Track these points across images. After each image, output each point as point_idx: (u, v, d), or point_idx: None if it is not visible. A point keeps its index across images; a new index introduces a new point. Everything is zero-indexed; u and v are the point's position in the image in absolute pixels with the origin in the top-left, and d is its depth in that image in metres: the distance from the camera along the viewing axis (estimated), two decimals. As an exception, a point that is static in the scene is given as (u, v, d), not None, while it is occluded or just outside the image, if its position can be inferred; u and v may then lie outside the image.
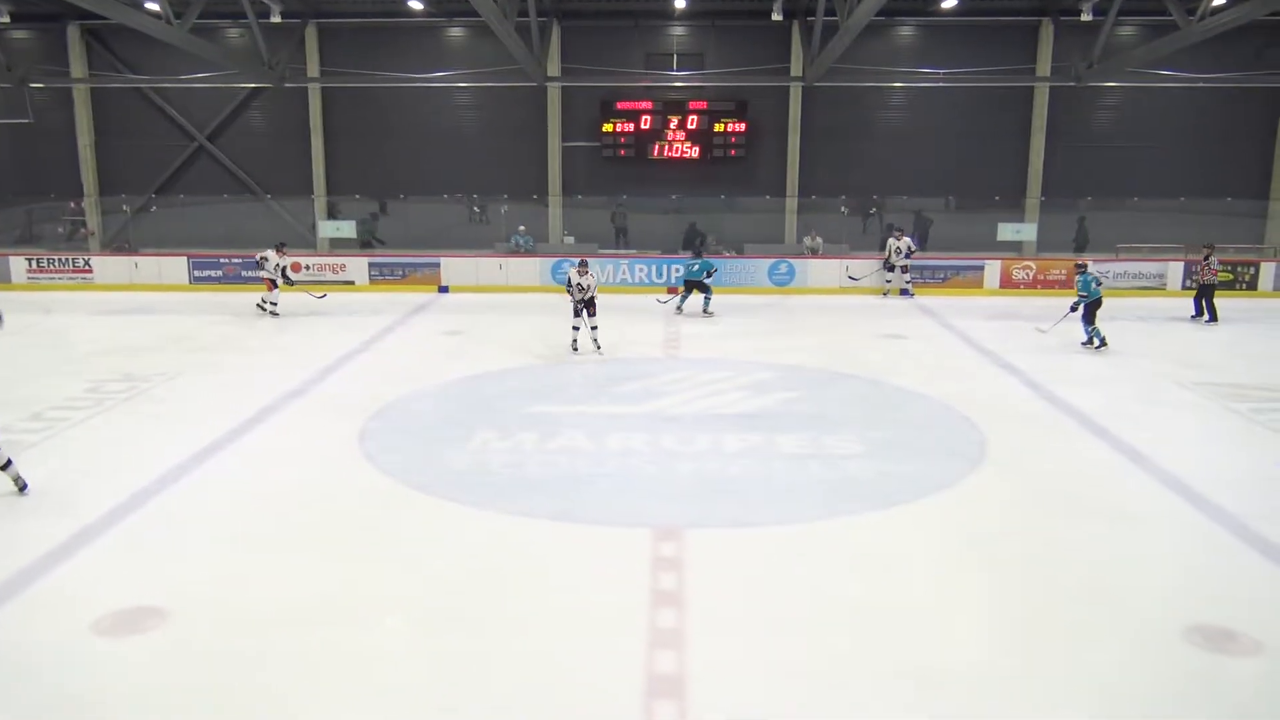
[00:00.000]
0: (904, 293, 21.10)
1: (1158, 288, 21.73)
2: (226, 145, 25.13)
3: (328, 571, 7.27)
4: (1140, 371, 13.99)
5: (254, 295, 19.97)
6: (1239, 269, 21.97)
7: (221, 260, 22.20)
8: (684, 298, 19.14)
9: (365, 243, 24.17)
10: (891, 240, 21.14)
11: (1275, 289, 21.79)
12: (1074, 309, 15.45)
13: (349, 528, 8.16)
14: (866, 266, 21.54)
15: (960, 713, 5.51)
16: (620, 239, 24.78)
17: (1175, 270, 21.90)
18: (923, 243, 23.49)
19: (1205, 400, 12.38)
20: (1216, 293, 18.58)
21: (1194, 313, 18.52)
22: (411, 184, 24.79)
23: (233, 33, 24.38)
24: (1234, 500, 8.70)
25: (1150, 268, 22.09)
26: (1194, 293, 18.81)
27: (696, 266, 18.94)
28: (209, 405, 11.89)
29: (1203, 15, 17.29)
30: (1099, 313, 15.41)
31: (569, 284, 14.84)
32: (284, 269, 18.68)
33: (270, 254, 18.60)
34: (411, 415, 11.64)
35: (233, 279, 22.05)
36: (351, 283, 22.10)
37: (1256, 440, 10.75)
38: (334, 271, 22.15)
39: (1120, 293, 21.50)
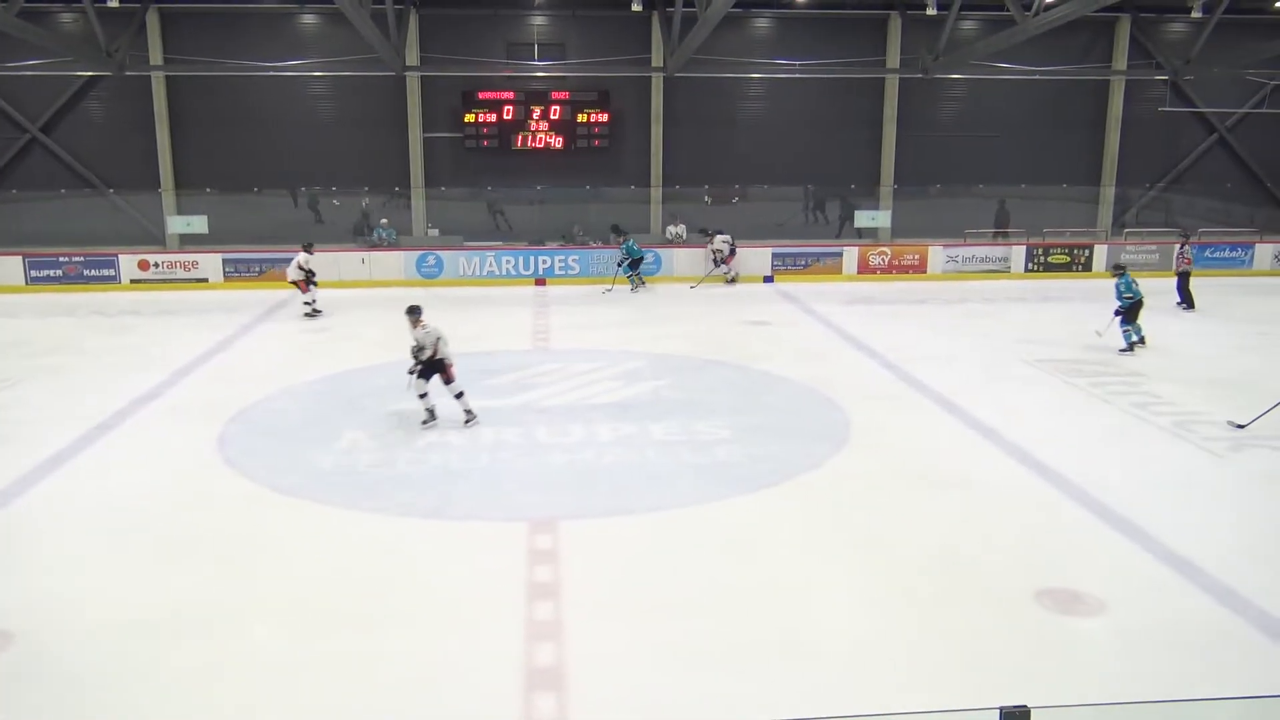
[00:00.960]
0: (731, 281, 21.79)
1: (1002, 271, 22.87)
2: (63, 137, 23.68)
3: (190, 581, 7.01)
4: (988, 350, 14.73)
5: (97, 295, 19.03)
6: (1075, 252, 23.34)
7: (61, 259, 20.98)
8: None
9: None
10: (710, 236, 21.97)
11: (1108, 269, 23.21)
12: (1117, 314, 14.61)
13: (212, 535, 7.88)
14: (698, 276, 22.01)
15: (831, 682, 5.73)
16: (501, 225, 24.57)
17: (1019, 253, 23.10)
18: (1003, 227, 24.66)
19: (1047, 375, 13.14)
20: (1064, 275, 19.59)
21: (1178, 300, 18.78)
22: (268, 177, 23.91)
23: (66, 17, 22.96)
24: (1076, 469, 9.29)
25: (995, 251, 23.24)
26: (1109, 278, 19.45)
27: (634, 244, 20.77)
28: (53, 413, 11.26)
29: (1037, 11, 18.26)
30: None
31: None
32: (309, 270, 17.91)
33: (300, 255, 17.89)
34: (274, 416, 11.30)
35: (74, 279, 20.88)
36: (205, 280, 21.22)
37: (1093, 411, 11.47)
38: (185, 269, 21.24)
39: (968, 276, 22.59)
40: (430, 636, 6.25)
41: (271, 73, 23.19)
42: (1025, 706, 3.51)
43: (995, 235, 24.65)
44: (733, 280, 21.82)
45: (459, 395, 10.81)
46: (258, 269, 21.29)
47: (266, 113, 23.96)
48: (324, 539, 7.84)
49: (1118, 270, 15.11)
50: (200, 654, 6.03)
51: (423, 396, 10.71)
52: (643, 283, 21.24)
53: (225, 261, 21.32)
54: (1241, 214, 26.25)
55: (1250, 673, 5.80)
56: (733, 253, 21.72)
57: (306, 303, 17.87)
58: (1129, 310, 14.61)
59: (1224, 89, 25.71)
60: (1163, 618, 6.48)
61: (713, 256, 21.76)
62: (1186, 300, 18.73)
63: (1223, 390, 12.19)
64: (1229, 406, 11.30)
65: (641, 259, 21.08)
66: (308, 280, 17.82)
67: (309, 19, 23.71)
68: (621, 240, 21.10)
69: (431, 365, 10.69)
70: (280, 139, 23.99)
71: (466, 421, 10.69)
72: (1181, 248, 19.27)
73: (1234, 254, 23.68)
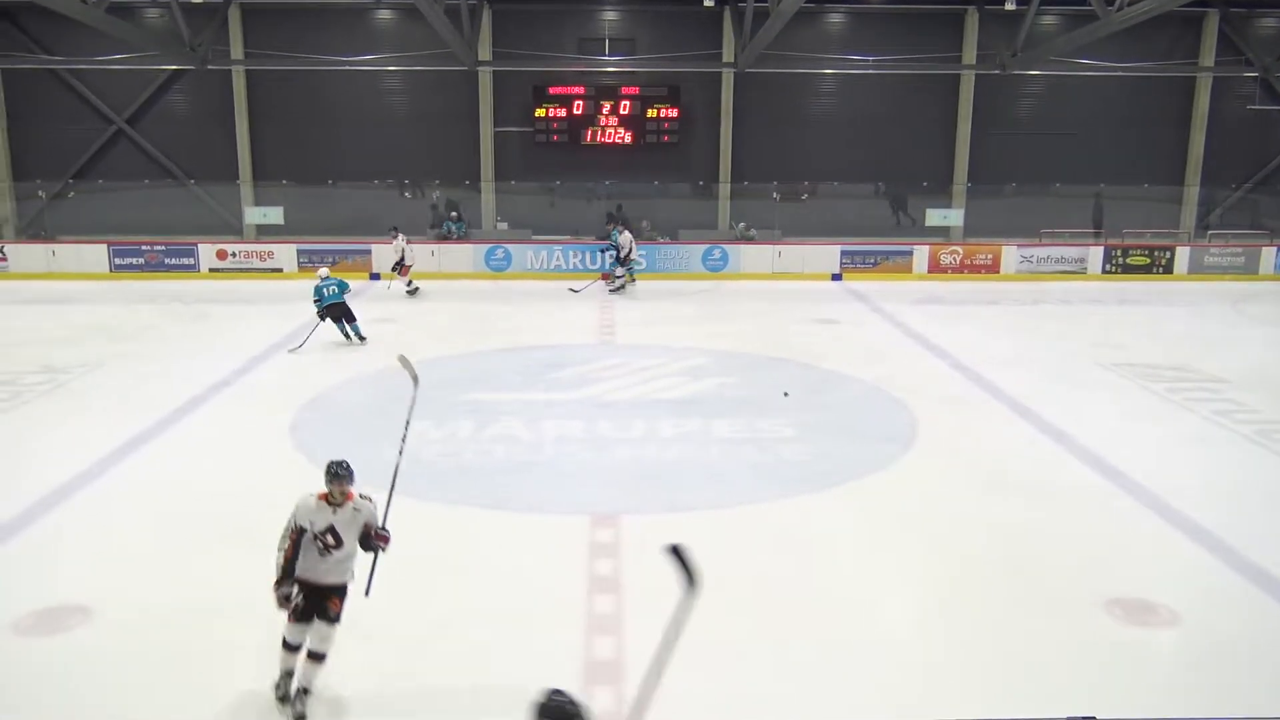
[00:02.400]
0: (620, 289, 19.94)
1: (1078, 272, 22.33)
2: (147, 129, 24.39)
3: (259, 566, 7.15)
4: (1062, 353, 14.39)
5: (177, 283, 19.64)
6: (1156, 254, 22.69)
7: (144, 247, 21.63)
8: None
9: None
10: (616, 233, 20.16)
11: (1190, 272, 22.55)
12: None
13: (282, 521, 8.03)
14: (586, 280, 20.97)
15: (892, 689, 5.66)
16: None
17: (1095, 254, 22.54)
18: (1099, 226, 24.22)
19: (1123, 380, 12.79)
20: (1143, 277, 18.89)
21: None
22: (341, 169, 24.34)
23: (152, 13, 23.63)
24: (1151, 476, 9.03)
25: (1071, 252, 22.69)
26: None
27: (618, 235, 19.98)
28: (133, 398, 11.61)
29: (1120, 6, 17.77)
30: None
31: None
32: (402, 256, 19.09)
33: (399, 241, 19.11)
34: (344, 405, 11.51)
35: (155, 266, 21.50)
36: (279, 270, 21.70)
37: (1170, 417, 11.14)
38: (261, 259, 21.73)
39: (1043, 276, 22.10)
40: (491, 626, 6.30)
41: (348, 68, 23.62)
42: (1093, 718, 3.43)
43: (1095, 234, 24.01)
44: (620, 288, 19.89)
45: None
46: (331, 259, 21.68)
47: (342, 107, 24.41)
48: (390, 527, 7.94)
49: None
50: (268, 636, 6.15)
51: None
52: (632, 280, 20.00)
53: (300, 252, 21.77)
54: (1332, 217, 25.26)
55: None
56: (627, 257, 19.86)
57: (407, 282, 19.17)
58: None
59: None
60: (1238, 631, 6.28)
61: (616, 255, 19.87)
62: None
63: (1310, 399, 11.75)
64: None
65: (618, 253, 19.68)
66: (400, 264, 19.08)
67: (385, 15, 24.08)
68: (611, 228, 20.49)
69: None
70: (354, 132, 24.41)
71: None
72: None
73: (1325, 258, 22.80)
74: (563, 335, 15.60)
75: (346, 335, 14.74)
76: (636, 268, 20.32)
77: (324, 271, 15.30)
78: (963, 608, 6.61)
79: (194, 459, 9.56)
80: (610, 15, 24.40)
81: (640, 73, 24.20)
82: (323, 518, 5.58)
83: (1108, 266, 22.42)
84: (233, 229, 23.97)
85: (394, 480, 6.05)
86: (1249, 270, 22.59)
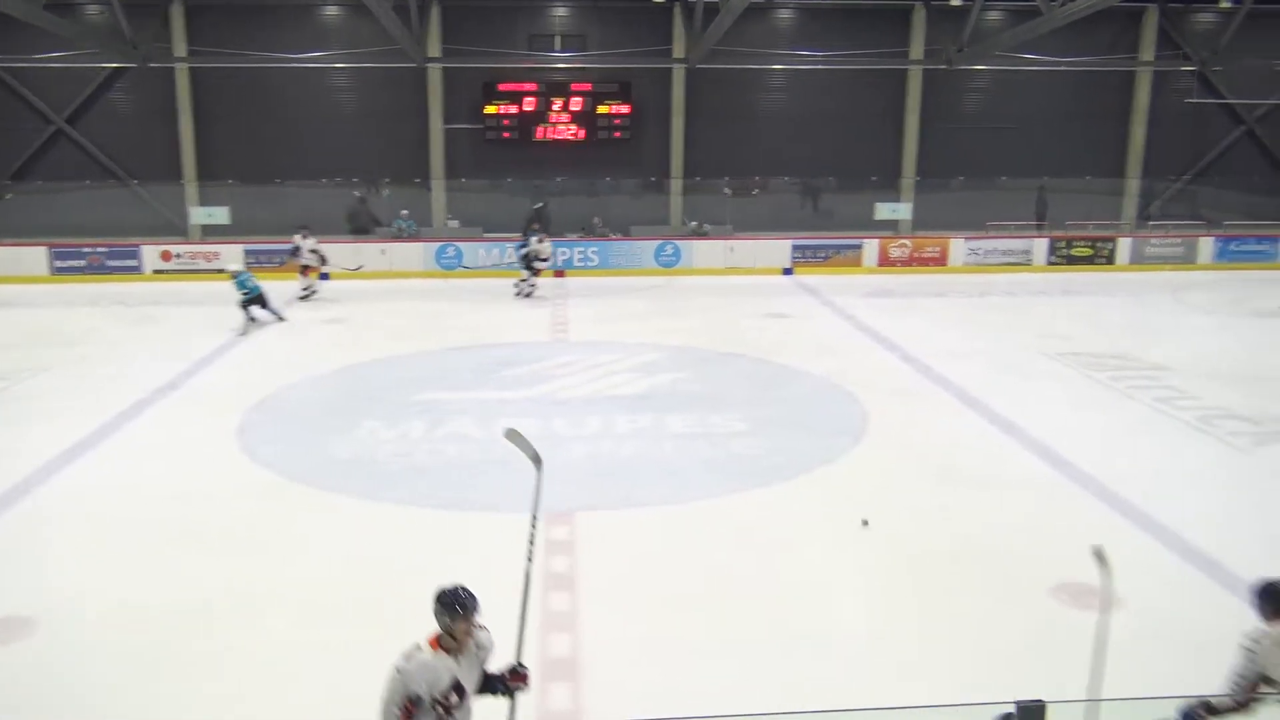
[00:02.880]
0: (528, 295, 18.87)
1: (1024, 264, 22.70)
2: (88, 129, 23.85)
3: (208, 569, 7.07)
4: (1008, 344, 14.61)
5: (120, 285, 19.26)
6: (1098, 245, 23.12)
7: (85, 249, 21.17)
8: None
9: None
10: (535, 242, 19.12)
11: (1131, 263, 23.02)
12: None
13: (230, 524, 7.94)
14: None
15: (845, 676, 5.72)
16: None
17: (1040, 246, 22.92)
18: (1042, 218, 24.42)
19: (1068, 369, 13.03)
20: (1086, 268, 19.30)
21: None
22: (288, 168, 24.00)
23: (92, 9, 23.09)
24: (1095, 464, 9.21)
25: (1016, 244, 23.05)
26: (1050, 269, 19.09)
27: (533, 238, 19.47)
28: (76, 402, 11.37)
29: (1063, 1, 18.07)
30: None
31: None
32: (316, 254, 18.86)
33: (298, 239, 18.77)
34: (293, 406, 11.36)
35: (97, 268, 21.05)
36: (224, 271, 21.32)
37: (1114, 406, 11.37)
38: (207, 259, 21.37)
39: (989, 269, 22.43)
40: (446, 626, 6.26)
41: (294, 65, 23.30)
42: (1041, 701, 3.50)
43: (1037, 226, 24.38)
44: (529, 295, 18.85)
45: None
46: (279, 260, 21.38)
47: (288, 104, 24.06)
48: (341, 528, 7.88)
49: None
50: (217, 642, 6.08)
51: None
52: (532, 287, 18.84)
53: (247, 252, 21.43)
54: (1269, 207, 25.89)
55: None
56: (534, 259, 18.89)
57: (307, 287, 18.74)
58: None
59: (1252, 80, 25.34)
60: (1182, 614, 6.43)
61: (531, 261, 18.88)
62: None
63: (1246, 385, 12.05)
64: (1251, 401, 11.18)
65: (527, 254, 18.84)
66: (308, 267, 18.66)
67: (331, 11, 23.78)
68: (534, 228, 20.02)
69: None
70: (302, 131, 24.08)
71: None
72: None
73: (1261, 247, 23.41)
74: (515, 333, 15.54)
75: (278, 316, 16.03)
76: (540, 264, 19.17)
77: (236, 267, 16.25)
78: (915, 597, 6.69)
79: (140, 463, 9.38)
80: (561, 11, 24.33)
81: (591, 69, 24.14)
82: (444, 675, 4.14)
83: (1052, 258, 22.82)
84: (177, 230, 23.53)
85: (525, 598, 4.77)
86: (1188, 260, 23.12)
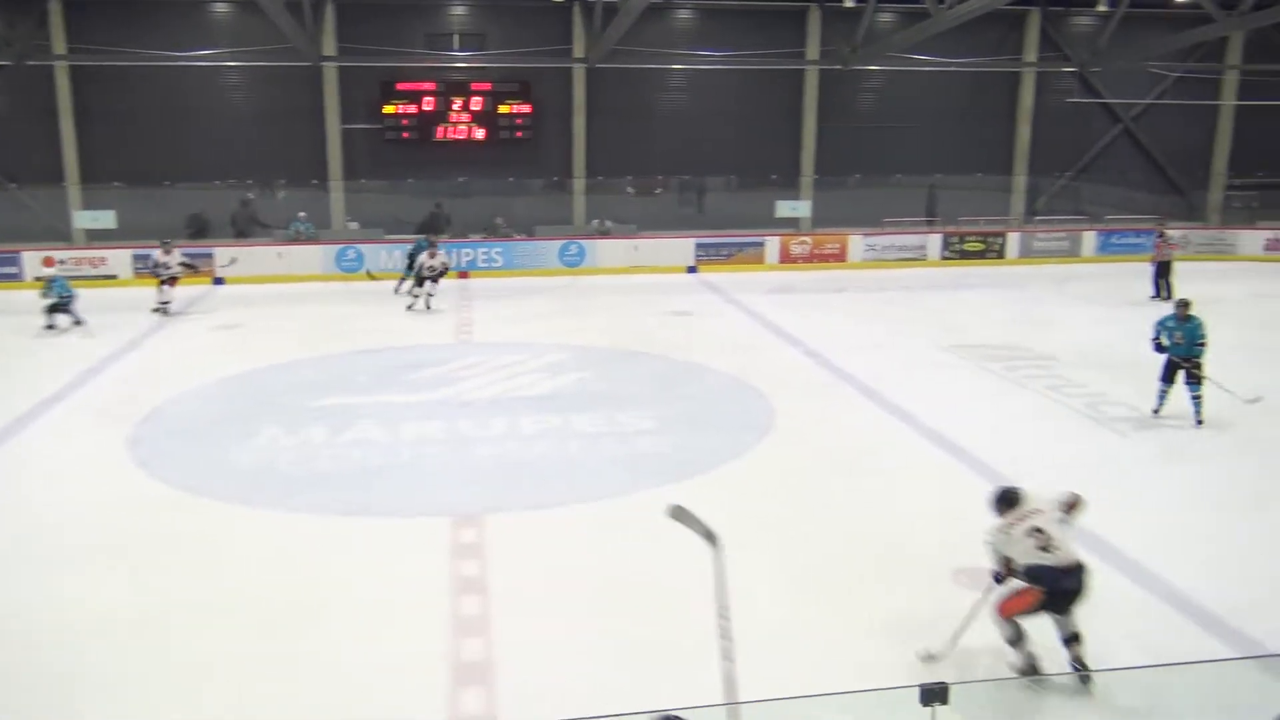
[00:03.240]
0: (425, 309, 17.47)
1: (919, 259, 23.33)
2: (-41, 129, 22.70)
3: (101, 589, 6.80)
4: (906, 337, 15.01)
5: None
6: (989, 240, 23.92)
7: (-42, 256, 20.13)
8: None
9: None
10: (424, 257, 17.64)
11: (1020, 256, 23.88)
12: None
13: (124, 540, 7.65)
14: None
15: (755, 667, 5.78)
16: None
17: (934, 242, 23.59)
18: (933, 215, 24.89)
19: (963, 360, 13.44)
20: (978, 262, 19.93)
21: (1152, 293, 18.20)
22: (179, 170, 23.18)
23: (-40, 5, 22.00)
24: (990, 451, 9.53)
25: (912, 240, 23.69)
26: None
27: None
28: (-48, 417, 10.80)
29: (951, 4, 18.64)
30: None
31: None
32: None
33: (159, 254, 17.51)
34: (188, 416, 11.00)
35: (-27, 276, 20.06)
36: (114, 277, 20.56)
37: (1007, 395, 11.79)
38: (93, 265, 20.54)
39: (887, 264, 23.00)
40: (355, 635, 6.16)
41: (182, 63, 22.50)
42: (944, 684, 3.59)
43: (928, 222, 25.06)
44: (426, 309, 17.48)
45: None
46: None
47: (177, 104, 23.21)
48: (241, 540, 7.67)
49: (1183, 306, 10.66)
50: (115, 662, 5.86)
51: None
52: (430, 296, 17.47)
53: (136, 257, 20.65)
54: (1146, 202, 27.15)
55: (1161, 642, 6.01)
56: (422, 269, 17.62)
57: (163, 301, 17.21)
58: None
59: (1129, 81, 26.55)
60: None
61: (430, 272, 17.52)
62: (1161, 292, 17.99)
63: (1128, 373, 12.60)
64: (1133, 388, 11.70)
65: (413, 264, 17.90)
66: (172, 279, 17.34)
67: (221, 7, 23.05)
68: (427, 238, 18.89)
69: None
70: (192, 131, 23.26)
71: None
72: (1161, 236, 18.55)
73: (1139, 240, 24.48)
74: (419, 335, 15.33)
75: (78, 320, 15.56)
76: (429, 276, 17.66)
77: (52, 272, 16.08)
78: (820, 587, 6.83)
79: (27, 480, 8.97)
80: (459, 10, 24.06)
81: (491, 68, 23.95)
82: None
83: (946, 253, 23.53)
84: (60, 234, 22.52)
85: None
86: (1073, 253, 24.10)
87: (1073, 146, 27.08)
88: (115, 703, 5.46)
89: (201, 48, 22.47)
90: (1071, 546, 5.63)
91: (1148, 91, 26.84)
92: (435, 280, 17.57)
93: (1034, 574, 5.55)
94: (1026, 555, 5.61)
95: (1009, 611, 5.68)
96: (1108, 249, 24.31)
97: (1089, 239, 24.30)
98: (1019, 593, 5.65)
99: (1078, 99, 26.36)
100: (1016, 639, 5.70)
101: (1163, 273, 18.43)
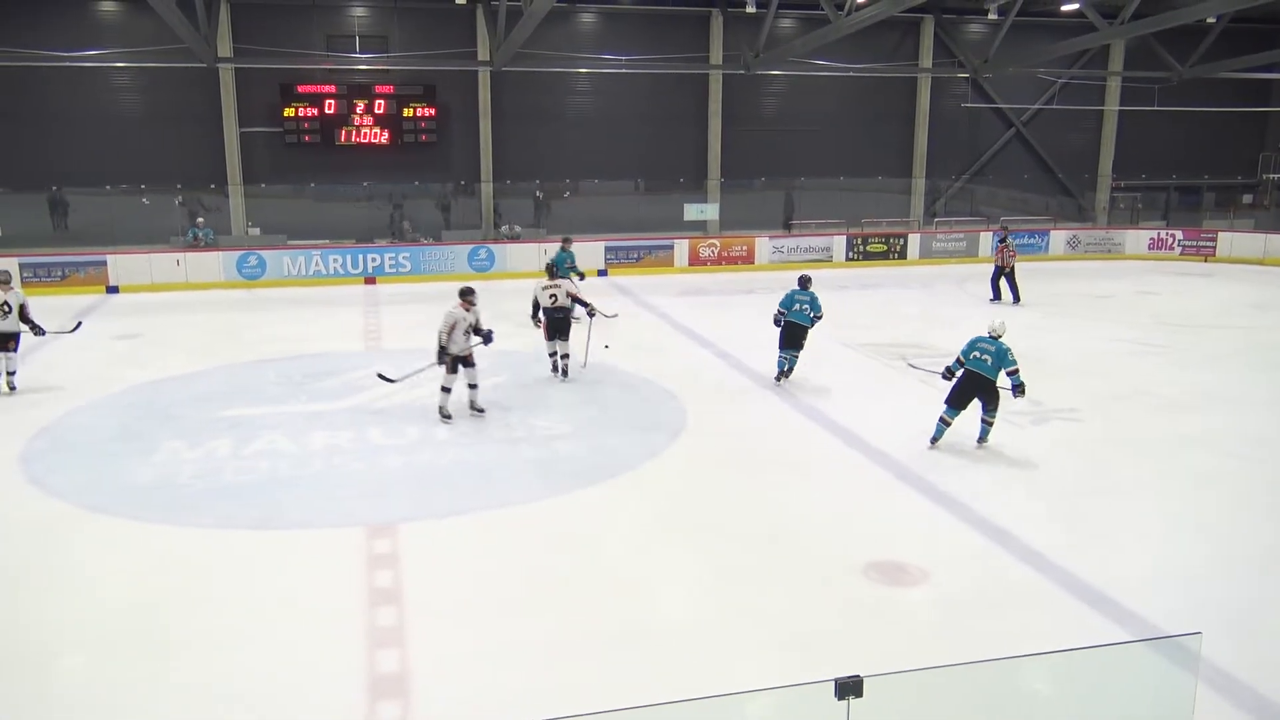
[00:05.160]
0: None
1: (825, 259, 23.79)
2: None
3: (3, 610, 6.51)
4: (814, 336, 15.23)
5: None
6: (891, 241, 24.52)
7: None
8: None
9: None
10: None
11: (921, 257, 24.54)
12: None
13: (17, 560, 7.33)
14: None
15: (671, 667, 5.85)
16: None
17: (839, 243, 24.09)
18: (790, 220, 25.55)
19: (867, 359, 13.77)
20: (881, 263, 20.45)
21: (991, 296, 18.56)
22: (66, 175, 22.29)
23: None
24: (895, 446, 9.79)
25: (818, 241, 24.15)
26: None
27: None
28: None
29: (849, 10, 19.08)
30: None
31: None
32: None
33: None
34: (83, 430, 10.58)
35: None
36: None
37: (909, 390, 12.10)
38: (-25, 275, 19.59)
39: (794, 265, 23.37)
40: (269, 651, 6.01)
41: (66, 63, 21.64)
42: (858, 676, 3.67)
43: (786, 227, 25.54)
44: None
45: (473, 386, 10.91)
46: (60, 273, 19.91)
47: (63, 107, 22.34)
48: (144, 558, 7.42)
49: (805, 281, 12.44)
50: (10, 692, 5.61)
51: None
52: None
53: (23, 266, 19.79)
54: (1038, 203, 28.23)
55: (1061, 628, 6.25)
56: None
57: None
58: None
59: (1019, 86, 27.56)
60: (980, 583, 6.92)
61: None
62: (1013, 294, 18.41)
63: (1024, 366, 13.05)
64: (1030, 382, 12.13)
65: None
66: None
67: (108, 6, 22.28)
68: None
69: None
70: (80, 134, 22.43)
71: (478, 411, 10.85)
72: (1004, 240, 18.87)
73: (1032, 240, 25.43)
74: (326, 343, 15.03)
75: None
76: None
77: None
78: (734, 585, 6.92)
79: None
80: (359, 11, 23.69)
81: (394, 71, 23.64)
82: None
83: (850, 254, 24.05)
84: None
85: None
86: (970, 253, 24.89)
87: (968, 150, 28.01)
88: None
89: (89, 48, 21.64)
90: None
91: (1037, 97, 27.89)
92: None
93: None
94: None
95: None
96: (1002, 249, 25.15)
97: (985, 239, 25.11)
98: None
99: (971, 104, 27.23)
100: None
101: (1000, 276, 18.63)
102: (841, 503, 8.50)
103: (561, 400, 11.65)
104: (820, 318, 12.23)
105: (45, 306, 17.69)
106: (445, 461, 9.52)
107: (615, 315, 11.51)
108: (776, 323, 12.27)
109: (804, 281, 12.36)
